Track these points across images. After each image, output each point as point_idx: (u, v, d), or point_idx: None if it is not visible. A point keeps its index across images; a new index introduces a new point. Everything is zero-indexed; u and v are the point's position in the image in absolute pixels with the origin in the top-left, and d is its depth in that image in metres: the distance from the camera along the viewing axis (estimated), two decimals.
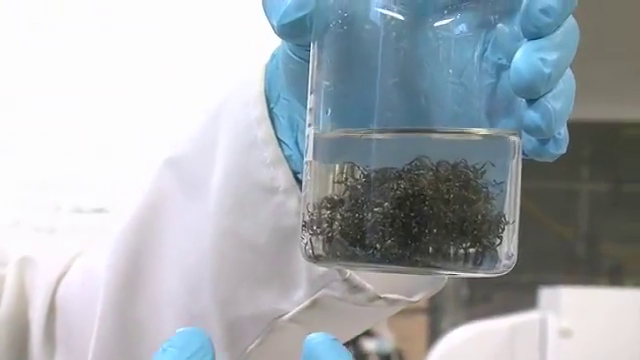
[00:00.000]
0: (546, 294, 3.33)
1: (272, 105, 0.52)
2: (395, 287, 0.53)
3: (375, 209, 0.40)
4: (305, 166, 0.42)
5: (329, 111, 0.42)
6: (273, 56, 0.52)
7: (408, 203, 0.39)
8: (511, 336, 3.19)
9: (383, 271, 0.41)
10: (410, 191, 0.39)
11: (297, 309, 0.53)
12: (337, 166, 0.41)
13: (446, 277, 0.52)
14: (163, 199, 0.58)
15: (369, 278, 0.52)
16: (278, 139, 0.52)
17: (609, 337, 3.19)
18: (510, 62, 0.40)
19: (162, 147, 0.60)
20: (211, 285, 0.54)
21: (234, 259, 0.54)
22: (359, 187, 0.40)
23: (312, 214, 0.42)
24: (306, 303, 0.52)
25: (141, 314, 0.58)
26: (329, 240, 0.41)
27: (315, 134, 0.42)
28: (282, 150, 0.52)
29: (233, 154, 0.53)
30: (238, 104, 0.53)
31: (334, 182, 0.41)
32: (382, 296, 0.53)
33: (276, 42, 0.49)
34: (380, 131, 0.40)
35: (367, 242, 0.40)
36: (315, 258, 0.42)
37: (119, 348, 0.58)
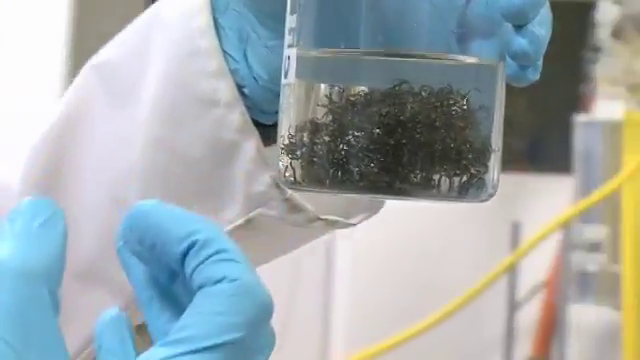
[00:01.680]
0: None
1: (217, 15, 0.50)
2: (334, 208, 0.53)
3: (361, 133, 0.39)
4: (285, 88, 0.41)
5: (315, 32, 0.41)
6: None
7: (398, 129, 0.39)
8: None
9: (366, 198, 0.41)
10: (398, 116, 0.39)
11: (229, 227, 0.51)
12: (323, 87, 0.40)
13: (385, 200, 0.53)
14: (86, 106, 0.54)
15: (309, 198, 0.52)
16: (223, 51, 0.50)
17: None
18: None
19: None
20: (138, 198, 0.52)
21: (165, 171, 0.51)
22: (345, 110, 0.40)
23: (293, 137, 0.41)
24: (240, 222, 0.51)
25: None
26: (311, 164, 0.40)
27: (299, 55, 0.41)
28: (227, 62, 0.50)
29: (170, 63, 0.51)
30: (179, 12, 0.51)
31: (318, 105, 0.40)
32: (322, 217, 0.52)
33: None
34: (369, 53, 0.40)
35: (352, 168, 0.39)
36: (296, 183, 0.41)
37: None
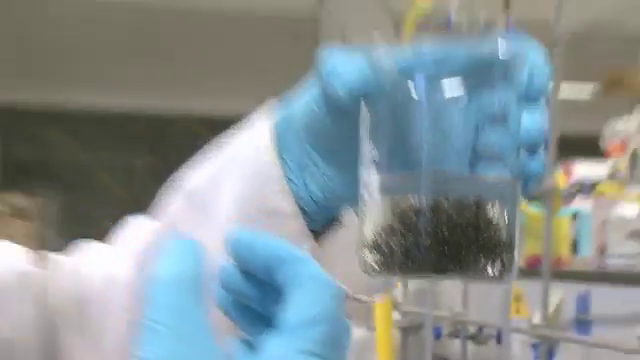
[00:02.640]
0: None
1: (281, 152, 0.65)
2: (362, 289, 0.67)
3: (430, 234, 0.54)
4: (368, 198, 0.56)
5: (391, 160, 0.56)
6: (284, 117, 0.65)
7: (457, 229, 0.54)
8: None
9: (428, 279, 0.56)
10: (457, 221, 0.55)
11: None
12: (400, 199, 0.55)
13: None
14: (175, 221, 0.69)
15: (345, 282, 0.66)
16: (287, 177, 0.64)
17: None
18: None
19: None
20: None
21: None
22: (417, 216, 0.55)
23: (377, 237, 0.55)
24: None
25: None
26: (392, 256, 0.55)
27: (380, 177, 0.55)
28: (290, 186, 0.64)
29: (245, 187, 0.65)
30: (251, 151, 0.65)
31: (395, 212, 0.55)
32: (356, 297, 0.66)
33: None
34: (433, 174, 0.55)
35: (425, 258, 0.54)
36: (378, 271, 0.55)
37: None
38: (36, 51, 4.65)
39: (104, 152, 5.32)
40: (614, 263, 2.38)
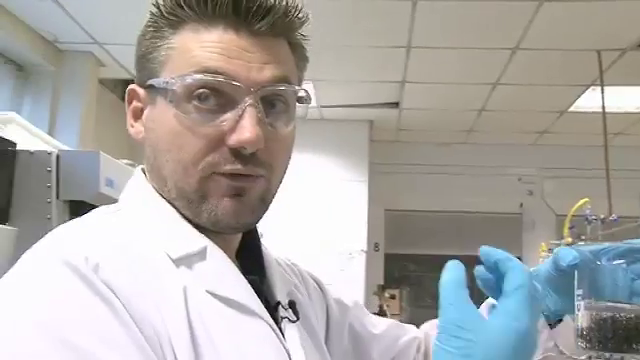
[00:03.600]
0: None
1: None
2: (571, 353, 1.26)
3: (610, 331, 1.12)
4: (578, 312, 1.14)
5: (591, 296, 1.14)
6: (533, 271, 1.25)
7: (630, 328, 1.12)
8: None
9: (611, 353, 1.14)
10: (630, 325, 1.12)
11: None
12: (595, 313, 1.13)
13: None
14: None
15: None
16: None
17: None
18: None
19: None
20: None
21: None
22: (604, 321, 1.13)
23: (584, 331, 1.13)
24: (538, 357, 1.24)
25: None
26: (592, 342, 1.13)
27: (584, 302, 1.14)
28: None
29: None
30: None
31: (595, 318, 1.13)
32: (569, 355, 1.25)
33: None
34: (616, 302, 1.13)
35: (608, 343, 1.12)
36: (585, 349, 1.13)
37: None
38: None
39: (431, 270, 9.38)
40: None
